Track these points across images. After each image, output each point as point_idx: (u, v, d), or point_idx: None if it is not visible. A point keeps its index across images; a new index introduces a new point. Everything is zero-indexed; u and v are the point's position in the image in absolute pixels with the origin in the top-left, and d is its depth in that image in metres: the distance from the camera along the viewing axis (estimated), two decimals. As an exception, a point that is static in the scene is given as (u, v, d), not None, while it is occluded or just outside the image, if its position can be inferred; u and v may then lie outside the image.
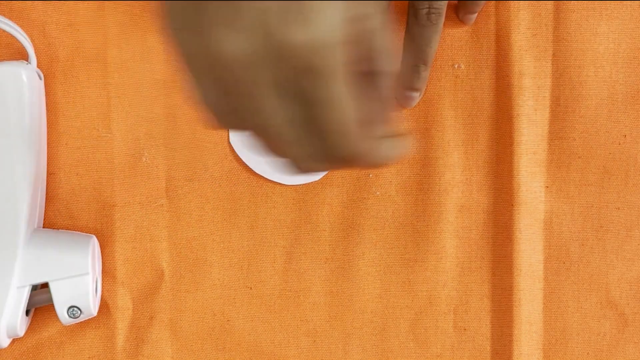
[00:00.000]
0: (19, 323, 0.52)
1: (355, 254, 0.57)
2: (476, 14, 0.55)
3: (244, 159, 0.57)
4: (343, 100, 0.35)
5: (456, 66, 0.56)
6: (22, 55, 0.55)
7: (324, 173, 0.56)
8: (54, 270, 0.52)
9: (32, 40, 0.55)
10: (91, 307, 0.53)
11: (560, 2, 0.56)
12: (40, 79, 0.55)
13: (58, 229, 0.56)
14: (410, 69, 0.54)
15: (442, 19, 0.51)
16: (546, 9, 0.56)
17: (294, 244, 0.57)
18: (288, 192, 0.57)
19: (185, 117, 0.56)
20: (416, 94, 0.55)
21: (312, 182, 0.57)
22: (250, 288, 0.57)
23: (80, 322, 0.56)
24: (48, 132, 0.56)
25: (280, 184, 0.57)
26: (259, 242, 0.57)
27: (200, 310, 0.57)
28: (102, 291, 0.57)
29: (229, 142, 0.57)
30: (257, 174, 0.57)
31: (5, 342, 0.53)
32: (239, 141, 0.57)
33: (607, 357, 0.57)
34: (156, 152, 0.57)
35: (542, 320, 0.57)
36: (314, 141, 0.36)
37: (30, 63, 0.54)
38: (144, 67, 0.56)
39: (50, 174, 0.56)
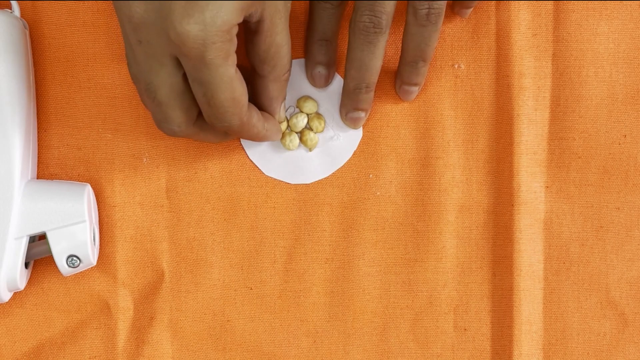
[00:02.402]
0: (19, 275, 0.52)
1: (355, 254, 0.57)
2: (471, 9, 0.55)
3: (253, 160, 0.57)
4: (226, 84, 0.46)
5: (456, 66, 0.56)
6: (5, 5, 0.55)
7: (333, 171, 0.57)
8: (50, 220, 0.52)
9: (32, 41, 0.56)
10: (90, 255, 0.53)
11: (560, 2, 0.56)
12: (26, 28, 0.55)
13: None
14: (409, 65, 0.54)
15: (442, 18, 0.51)
16: (546, 9, 0.56)
17: (294, 244, 0.57)
18: (288, 192, 0.57)
19: (185, 118, 0.56)
20: (415, 88, 0.55)
21: (312, 183, 0.57)
22: (251, 288, 0.57)
23: (81, 322, 0.56)
24: (48, 132, 0.56)
25: (282, 183, 0.57)
26: (259, 242, 0.57)
27: (201, 310, 0.57)
28: (103, 291, 0.57)
29: (238, 141, 0.57)
30: (258, 174, 0.57)
31: (7, 296, 0.53)
32: (250, 143, 0.57)
33: (607, 357, 0.57)
34: (156, 152, 0.57)
35: (542, 320, 0.57)
36: (206, 110, 0.48)
37: (13, 12, 0.54)
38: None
39: (51, 174, 0.56)
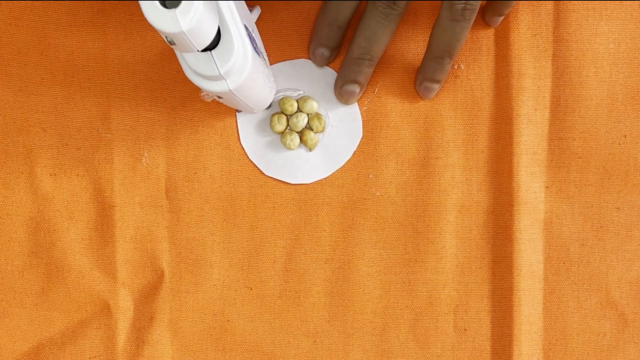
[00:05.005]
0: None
1: (355, 254, 0.57)
2: (503, 17, 0.55)
3: (253, 160, 0.57)
4: None
5: (456, 66, 0.56)
6: None
7: (333, 170, 0.57)
8: None
9: (32, 43, 0.56)
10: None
11: (560, 2, 0.56)
12: None
13: (58, 231, 0.56)
14: (434, 61, 0.54)
15: (474, 17, 0.51)
16: (546, 9, 0.56)
17: (294, 244, 0.57)
18: (288, 192, 0.57)
19: (185, 117, 0.56)
20: (437, 86, 0.55)
21: (312, 183, 0.57)
22: (251, 288, 0.57)
23: (81, 322, 0.56)
24: (48, 132, 0.56)
25: (282, 183, 0.57)
26: (259, 242, 0.57)
27: (200, 311, 0.57)
28: (103, 292, 0.57)
29: (238, 141, 0.57)
30: (258, 174, 0.57)
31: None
32: (250, 143, 0.57)
33: (607, 357, 0.57)
34: (156, 152, 0.57)
35: (542, 320, 0.57)
36: None
37: None
38: (144, 67, 0.56)
39: (50, 174, 0.56)
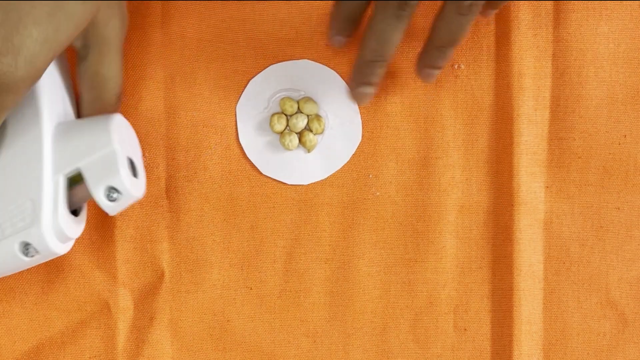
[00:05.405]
0: (64, 222, 0.50)
1: (355, 254, 0.57)
2: (496, 10, 0.55)
3: (251, 159, 0.56)
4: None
5: (456, 66, 0.56)
6: None
7: (330, 173, 0.56)
8: (80, 154, 0.49)
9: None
10: (127, 185, 0.49)
11: (560, 2, 0.56)
12: None
13: None
14: (438, 49, 0.53)
15: (479, 9, 0.51)
16: (546, 9, 0.56)
17: (294, 244, 0.57)
18: (288, 192, 0.57)
19: (185, 117, 0.56)
20: (437, 72, 0.54)
21: (312, 183, 0.57)
22: (250, 288, 0.57)
23: (81, 322, 0.56)
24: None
25: (281, 184, 0.57)
26: (259, 242, 0.57)
27: (200, 311, 0.57)
28: (103, 291, 0.57)
29: (238, 142, 0.57)
30: (257, 174, 0.57)
31: (59, 247, 0.50)
32: (249, 141, 0.57)
33: (607, 357, 0.57)
34: (156, 152, 0.57)
35: (542, 320, 0.57)
36: None
37: None
38: (144, 66, 0.56)
39: (50, 174, 0.56)
